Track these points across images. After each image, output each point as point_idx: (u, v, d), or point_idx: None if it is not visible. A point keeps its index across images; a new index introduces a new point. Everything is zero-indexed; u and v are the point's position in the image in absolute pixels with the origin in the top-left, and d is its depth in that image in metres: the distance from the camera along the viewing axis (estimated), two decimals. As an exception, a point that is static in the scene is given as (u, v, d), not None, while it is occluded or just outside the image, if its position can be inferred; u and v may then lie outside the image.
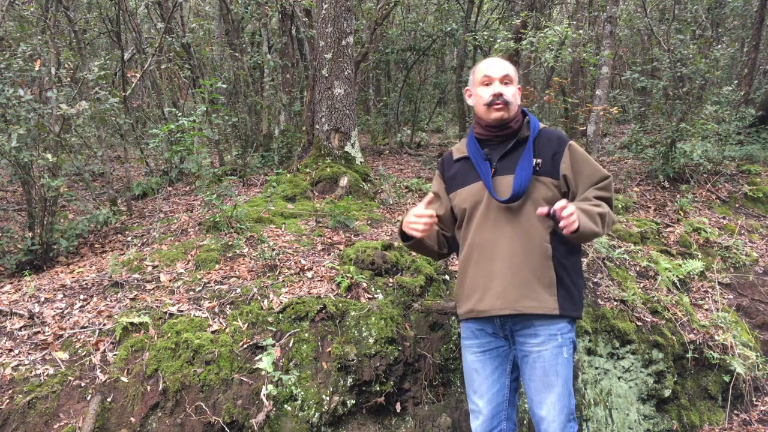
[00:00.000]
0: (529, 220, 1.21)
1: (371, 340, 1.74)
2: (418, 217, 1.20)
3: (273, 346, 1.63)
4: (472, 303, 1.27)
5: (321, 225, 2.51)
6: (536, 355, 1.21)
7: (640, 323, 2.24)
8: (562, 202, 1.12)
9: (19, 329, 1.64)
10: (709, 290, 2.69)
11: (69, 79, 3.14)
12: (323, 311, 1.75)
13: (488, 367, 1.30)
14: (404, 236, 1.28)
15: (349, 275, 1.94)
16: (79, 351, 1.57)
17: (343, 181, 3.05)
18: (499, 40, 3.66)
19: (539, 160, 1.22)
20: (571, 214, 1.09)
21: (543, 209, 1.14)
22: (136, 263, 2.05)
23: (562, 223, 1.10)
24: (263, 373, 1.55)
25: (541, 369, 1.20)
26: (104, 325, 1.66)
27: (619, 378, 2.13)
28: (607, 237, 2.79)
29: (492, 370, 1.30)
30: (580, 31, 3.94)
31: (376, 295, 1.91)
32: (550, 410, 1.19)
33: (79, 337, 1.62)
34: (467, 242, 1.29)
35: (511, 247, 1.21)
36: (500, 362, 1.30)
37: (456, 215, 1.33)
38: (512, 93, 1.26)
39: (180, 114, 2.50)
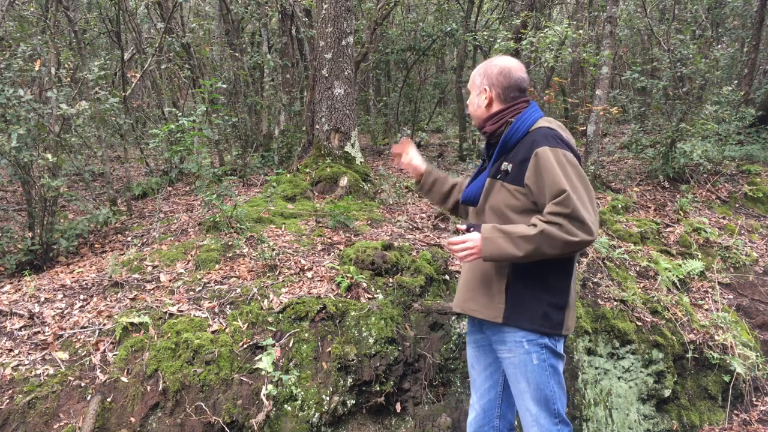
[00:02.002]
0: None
1: (371, 340, 1.74)
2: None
3: (273, 346, 1.63)
4: None
5: (321, 225, 2.51)
6: (507, 361, 1.22)
7: (640, 323, 2.24)
8: (469, 236, 1.13)
9: (19, 329, 1.64)
10: (709, 290, 2.69)
11: (69, 79, 3.14)
12: (323, 311, 1.75)
13: (482, 362, 1.32)
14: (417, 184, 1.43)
15: (349, 275, 1.94)
16: (79, 351, 1.57)
17: (343, 181, 3.05)
18: (499, 40, 3.66)
19: (510, 166, 1.18)
20: (459, 250, 1.13)
21: (462, 226, 1.18)
22: (136, 263, 2.05)
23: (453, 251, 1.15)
24: (263, 373, 1.55)
25: (513, 375, 1.21)
26: (104, 325, 1.66)
27: (619, 378, 2.13)
28: (606, 237, 2.79)
29: (485, 366, 1.32)
30: (580, 31, 3.94)
31: (376, 295, 1.91)
32: (525, 416, 1.20)
33: (79, 337, 1.62)
34: None
35: None
36: (494, 359, 1.31)
37: None
38: (469, 101, 1.27)
39: (180, 114, 2.50)
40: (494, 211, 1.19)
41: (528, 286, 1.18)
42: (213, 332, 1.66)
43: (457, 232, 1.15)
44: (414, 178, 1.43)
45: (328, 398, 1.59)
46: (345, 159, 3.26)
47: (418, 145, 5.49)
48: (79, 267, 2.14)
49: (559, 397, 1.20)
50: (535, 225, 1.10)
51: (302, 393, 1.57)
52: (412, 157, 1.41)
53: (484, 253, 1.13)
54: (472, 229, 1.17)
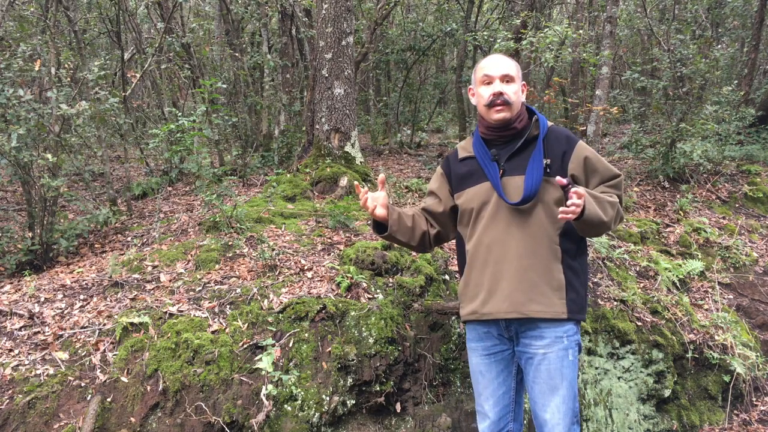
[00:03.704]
0: (539, 222, 1.19)
1: (371, 340, 1.74)
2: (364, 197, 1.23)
3: (273, 346, 1.63)
4: (476, 304, 1.25)
5: (321, 225, 2.51)
6: (541, 357, 1.19)
7: (640, 323, 2.24)
8: (581, 189, 1.07)
9: (19, 329, 1.64)
10: (709, 290, 2.69)
11: (69, 79, 3.13)
12: (323, 311, 1.75)
13: (493, 370, 1.29)
14: (375, 225, 1.29)
15: (349, 275, 1.94)
16: (79, 351, 1.57)
17: (343, 181, 3.05)
18: (499, 40, 3.66)
19: (548, 161, 1.19)
20: (580, 204, 1.05)
21: (562, 179, 1.10)
22: (136, 263, 2.05)
23: (567, 205, 1.06)
24: (263, 373, 1.55)
25: (546, 372, 1.19)
26: (104, 325, 1.66)
27: (619, 378, 2.13)
28: (607, 237, 2.79)
29: (497, 373, 1.29)
30: (580, 31, 3.94)
31: (376, 295, 1.91)
32: (555, 413, 1.18)
33: (79, 337, 1.62)
34: (473, 242, 1.27)
35: (519, 249, 1.18)
36: (506, 365, 1.29)
37: (459, 213, 1.32)
38: (514, 91, 1.22)
39: (180, 114, 2.49)
40: (544, 205, 1.19)
41: (578, 277, 1.22)
42: (213, 332, 1.65)
43: (566, 185, 1.06)
44: (375, 218, 1.25)
45: (328, 398, 1.58)
46: (345, 159, 3.26)
47: (418, 145, 5.50)
48: (79, 267, 2.13)
49: (577, 396, 1.21)
50: (610, 196, 1.17)
51: (302, 393, 1.57)
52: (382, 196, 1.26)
53: (585, 212, 1.08)
54: (570, 185, 1.09)
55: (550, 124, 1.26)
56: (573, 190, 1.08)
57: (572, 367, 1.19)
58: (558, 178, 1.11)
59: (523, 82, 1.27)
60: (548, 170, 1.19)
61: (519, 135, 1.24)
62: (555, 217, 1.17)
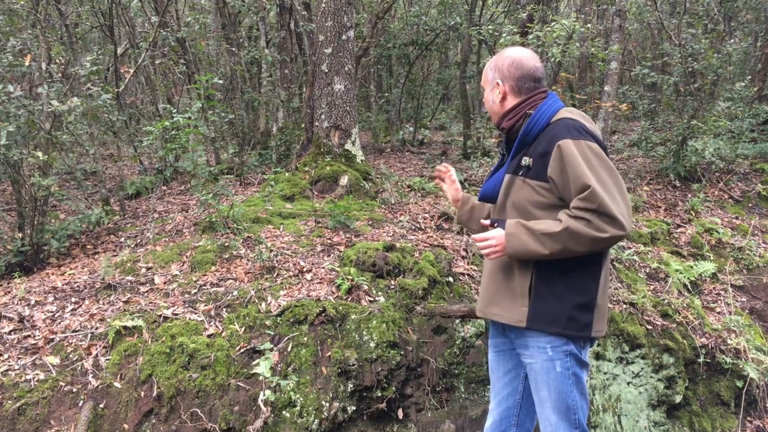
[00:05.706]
0: None
1: (372, 344, 1.70)
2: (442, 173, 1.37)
3: (271, 350, 1.60)
4: None
5: (320, 225, 2.47)
6: (529, 367, 1.18)
7: (650, 327, 2.19)
8: (492, 232, 1.12)
9: (9, 333, 1.61)
10: (722, 293, 2.64)
11: (60, 74, 3.09)
12: (323, 314, 1.71)
13: (501, 368, 1.29)
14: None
15: (349, 277, 1.90)
16: (71, 355, 1.54)
17: (344, 180, 2.99)
18: (504, 35, 3.56)
19: (530, 161, 1.12)
20: (486, 246, 1.12)
21: (486, 222, 1.17)
22: (129, 265, 2.01)
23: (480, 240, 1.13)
24: (261, 378, 1.52)
25: (534, 382, 1.17)
26: (96, 328, 1.63)
27: (628, 383, 2.08)
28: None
29: (505, 372, 1.29)
30: (588, 25, 3.84)
31: (377, 298, 1.87)
32: (545, 425, 1.17)
33: (70, 341, 1.59)
34: None
35: None
36: (514, 365, 1.27)
37: None
38: (484, 99, 1.24)
39: (175, 111, 2.45)
40: (517, 208, 1.14)
41: (552, 287, 1.12)
42: (209, 336, 1.62)
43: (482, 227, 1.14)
44: (453, 205, 1.42)
45: (327, 404, 1.55)
46: (345, 157, 3.20)
47: (421, 143, 5.42)
48: (71, 269, 2.10)
49: (580, 407, 1.16)
50: (560, 221, 1.05)
51: (301, 399, 1.53)
52: (455, 181, 1.38)
53: (507, 250, 1.10)
54: (496, 224, 1.14)
55: (556, 119, 1.13)
56: (477, 237, 1.13)
57: (562, 379, 1.13)
58: (482, 220, 1.18)
59: (497, 81, 1.19)
60: (520, 172, 1.13)
61: (514, 134, 1.21)
62: (526, 219, 1.13)
